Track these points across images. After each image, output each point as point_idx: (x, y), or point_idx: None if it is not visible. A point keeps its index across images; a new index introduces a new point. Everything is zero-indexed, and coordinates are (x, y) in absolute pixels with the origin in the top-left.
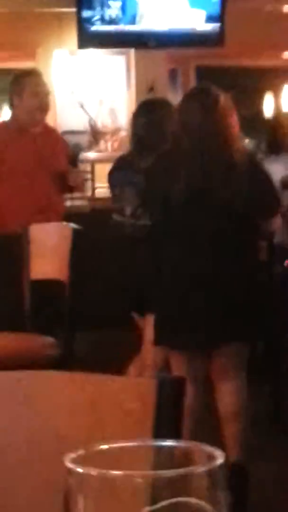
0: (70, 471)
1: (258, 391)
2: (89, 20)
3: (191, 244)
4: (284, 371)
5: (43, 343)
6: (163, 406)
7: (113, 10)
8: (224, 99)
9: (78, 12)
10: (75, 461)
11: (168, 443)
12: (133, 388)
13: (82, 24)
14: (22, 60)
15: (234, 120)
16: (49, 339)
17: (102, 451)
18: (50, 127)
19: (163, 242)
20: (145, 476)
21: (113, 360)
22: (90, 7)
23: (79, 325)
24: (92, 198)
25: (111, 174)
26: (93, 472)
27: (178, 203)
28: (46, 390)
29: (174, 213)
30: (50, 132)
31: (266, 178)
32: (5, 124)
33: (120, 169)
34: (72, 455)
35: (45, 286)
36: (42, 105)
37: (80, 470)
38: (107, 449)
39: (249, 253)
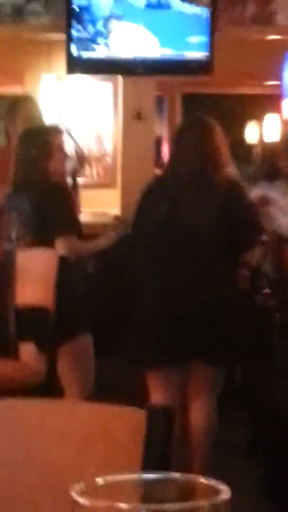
0: (76, 504)
1: (235, 418)
2: (77, 46)
3: (166, 269)
4: (260, 399)
5: (27, 369)
6: (153, 435)
7: (102, 37)
8: (218, 129)
9: (67, 38)
10: (81, 493)
11: (174, 475)
12: (123, 417)
13: (71, 50)
14: (11, 85)
15: (226, 149)
16: (33, 366)
17: (106, 483)
18: None
19: (138, 266)
20: (151, 509)
21: (100, 387)
22: (79, 33)
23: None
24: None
25: None
26: (101, 504)
27: (157, 226)
28: (35, 418)
29: (152, 237)
30: None
31: (247, 207)
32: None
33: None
34: (77, 487)
35: (30, 313)
36: None
37: (86, 502)
38: (110, 481)
39: (225, 281)
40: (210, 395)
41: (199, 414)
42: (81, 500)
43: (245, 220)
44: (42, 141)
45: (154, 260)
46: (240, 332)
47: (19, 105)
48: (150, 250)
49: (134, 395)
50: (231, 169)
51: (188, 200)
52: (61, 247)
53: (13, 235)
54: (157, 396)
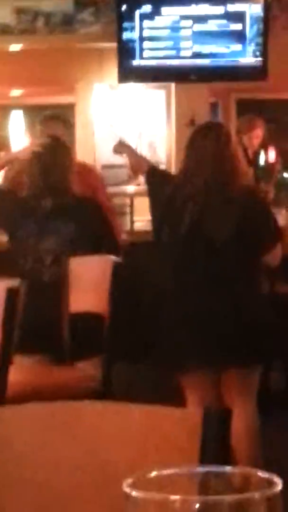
0: (128, 496)
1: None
2: (129, 55)
3: (193, 277)
4: None
5: (82, 375)
6: (209, 438)
7: (153, 44)
8: (233, 134)
9: (118, 47)
10: (133, 486)
11: (226, 468)
12: (179, 419)
13: (122, 59)
14: (62, 95)
15: (241, 156)
16: (88, 372)
17: (159, 476)
18: (85, 166)
19: (163, 269)
20: (204, 501)
21: (150, 394)
22: (131, 42)
23: (118, 359)
24: (131, 232)
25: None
26: (153, 496)
27: (181, 238)
28: (92, 421)
29: (176, 247)
30: (85, 171)
31: (263, 212)
32: None
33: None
34: (130, 480)
35: (85, 319)
36: None
37: (139, 494)
38: (163, 474)
39: (250, 284)
40: (247, 398)
41: (238, 418)
42: (133, 493)
43: (263, 226)
44: (72, 154)
45: (180, 268)
46: (270, 333)
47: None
48: (174, 259)
49: (169, 400)
50: (247, 175)
51: (210, 212)
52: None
53: (48, 259)
54: (192, 400)
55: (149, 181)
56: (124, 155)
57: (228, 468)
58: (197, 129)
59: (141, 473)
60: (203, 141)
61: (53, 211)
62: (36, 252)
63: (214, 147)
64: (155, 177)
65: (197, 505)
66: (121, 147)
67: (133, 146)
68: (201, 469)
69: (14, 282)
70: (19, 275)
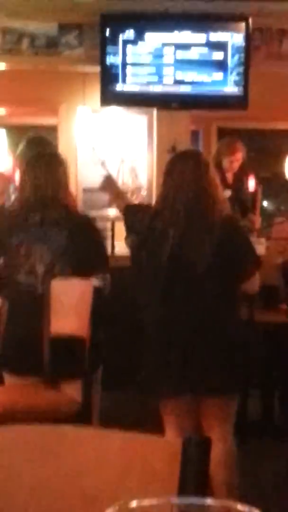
0: None
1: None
2: (112, 79)
3: (170, 303)
4: None
5: (63, 398)
6: (189, 466)
7: (136, 70)
8: (210, 162)
9: (102, 71)
10: None
11: (208, 501)
12: (159, 447)
13: (105, 83)
14: (46, 116)
15: (219, 183)
16: (70, 395)
17: (140, 507)
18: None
19: (143, 297)
20: None
21: (133, 419)
22: (114, 66)
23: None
24: (112, 256)
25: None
26: None
27: (160, 261)
28: (74, 445)
29: (156, 274)
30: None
31: (242, 240)
32: None
33: (20, 226)
34: (112, 509)
35: (66, 342)
36: None
37: None
38: (144, 505)
39: (228, 311)
40: (224, 424)
41: (216, 445)
42: None
43: (242, 254)
44: (65, 167)
45: (161, 294)
46: (250, 360)
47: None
48: (155, 285)
49: (148, 426)
50: (225, 203)
51: (190, 239)
52: (96, 282)
53: (40, 268)
54: (170, 427)
55: (126, 214)
56: (107, 193)
57: (209, 500)
58: (176, 156)
59: (122, 503)
60: (182, 167)
61: (44, 223)
62: (27, 262)
63: (193, 174)
64: (131, 211)
65: None
66: (107, 186)
67: (115, 170)
68: (183, 500)
69: None
70: (9, 289)
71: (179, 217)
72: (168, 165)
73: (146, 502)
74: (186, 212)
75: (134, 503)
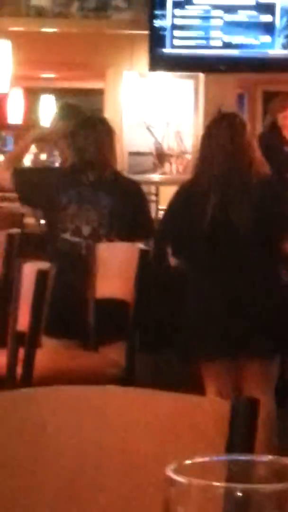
0: (171, 481)
1: None
2: (160, 43)
3: (212, 266)
4: None
5: (107, 361)
6: (237, 427)
7: (184, 33)
8: (248, 123)
9: (150, 35)
10: (176, 471)
11: (261, 457)
12: (207, 408)
13: (153, 47)
14: (92, 80)
15: (256, 145)
16: (112, 358)
17: (200, 463)
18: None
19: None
20: (246, 489)
21: (173, 382)
22: (162, 30)
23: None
24: (157, 220)
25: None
26: (196, 482)
27: (202, 233)
28: (120, 406)
29: (198, 241)
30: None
31: (281, 201)
32: None
33: (70, 185)
34: (173, 465)
35: (110, 305)
36: None
37: (183, 480)
38: (205, 461)
39: (269, 273)
40: (264, 388)
41: None
42: (179, 478)
43: (282, 215)
44: (112, 131)
45: (199, 258)
46: (286, 322)
47: None
48: (195, 249)
49: (188, 388)
50: (263, 165)
51: (230, 201)
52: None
53: (86, 230)
54: (211, 389)
55: None
56: None
57: (262, 457)
58: (212, 120)
59: (182, 459)
60: (217, 130)
61: (93, 184)
62: (74, 222)
63: (227, 136)
64: None
65: (239, 493)
66: None
67: (160, 134)
68: (236, 458)
69: (45, 265)
70: (54, 250)
71: (216, 179)
72: (205, 129)
73: (204, 459)
74: (222, 174)
75: (192, 460)
